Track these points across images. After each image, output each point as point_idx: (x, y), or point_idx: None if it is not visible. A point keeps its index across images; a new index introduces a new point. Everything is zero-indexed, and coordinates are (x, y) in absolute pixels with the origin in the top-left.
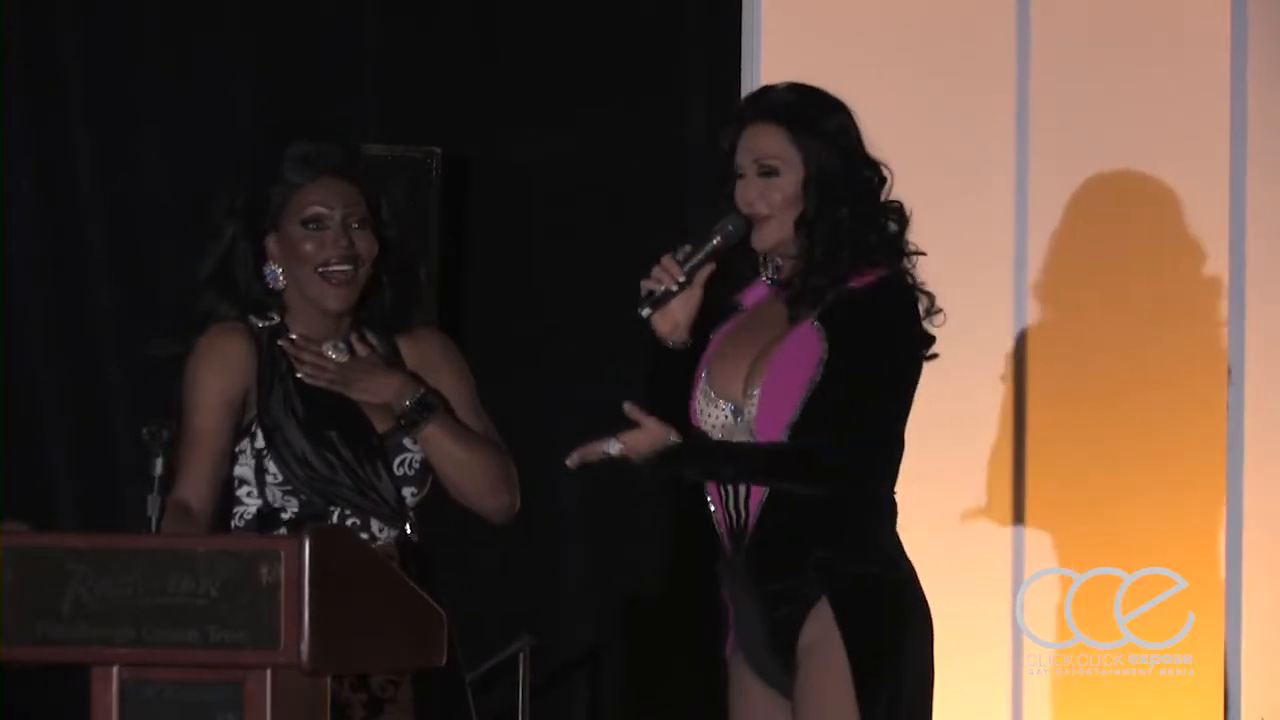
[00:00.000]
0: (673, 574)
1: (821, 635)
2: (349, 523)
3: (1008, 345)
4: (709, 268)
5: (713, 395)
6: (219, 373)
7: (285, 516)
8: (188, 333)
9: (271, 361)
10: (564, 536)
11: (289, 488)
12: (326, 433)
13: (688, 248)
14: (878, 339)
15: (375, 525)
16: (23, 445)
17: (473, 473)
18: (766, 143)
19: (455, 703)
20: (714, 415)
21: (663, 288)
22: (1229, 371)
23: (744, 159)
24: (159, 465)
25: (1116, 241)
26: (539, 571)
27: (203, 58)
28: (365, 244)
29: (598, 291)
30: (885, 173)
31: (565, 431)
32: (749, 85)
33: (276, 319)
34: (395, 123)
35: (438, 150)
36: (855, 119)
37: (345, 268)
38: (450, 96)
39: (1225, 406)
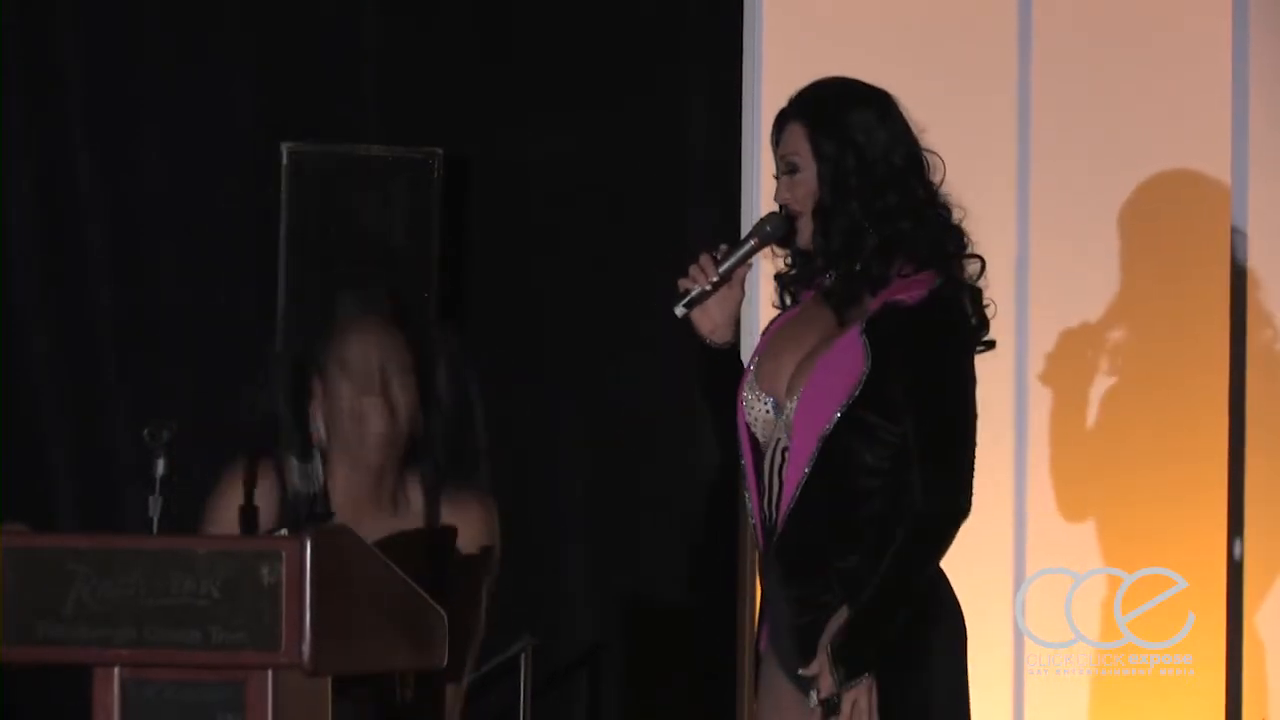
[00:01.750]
0: (673, 574)
1: None
2: None
3: (1009, 345)
4: (746, 268)
5: (758, 389)
6: (235, 511)
7: None
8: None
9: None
10: (564, 537)
11: None
12: None
13: (724, 247)
14: (933, 369)
15: None
16: (23, 446)
17: None
18: (789, 140)
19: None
20: (757, 409)
21: (697, 288)
22: (1232, 366)
23: (776, 157)
24: (160, 466)
25: (1118, 242)
26: (539, 572)
27: (203, 58)
28: (408, 395)
29: (598, 292)
30: (930, 162)
31: (565, 432)
32: (749, 85)
33: (305, 465)
34: (396, 123)
35: (439, 151)
36: (892, 108)
37: (385, 419)
38: (451, 97)
39: (1226, 406)
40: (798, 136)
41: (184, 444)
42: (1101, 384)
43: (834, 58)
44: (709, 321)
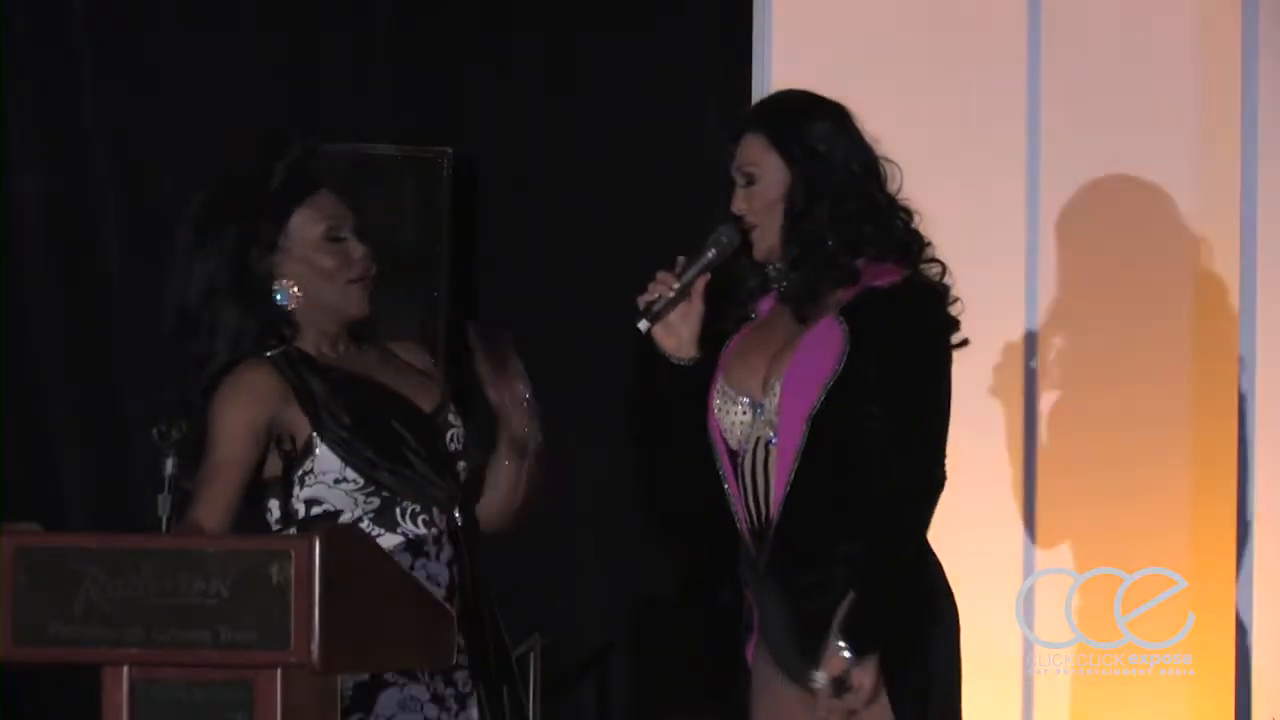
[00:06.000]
0: (683, 574)
1: None
2: (419, 520)
3: (1017, 343)
4: (704, 279)
5: (731, 393)
6: (245, 405)
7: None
8: (212, 366)
9: (301, 382)
10: (574, 536)
11: (370, 489)
12: (391, 425)
13: (682, 259)
14: (907, 346)
15: (435, 513)
16: (34, 446)
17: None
18: (748, 151)
19: (512, 685)
20: (732, 412)
21: (657, 297)
22: (1239, 366)
23: (733, 169)
24: (170, 464)
25: (1127, 239)
26: (549, 571)
27: (215, 57)
28: (366, 250)
29: (607, 292)
30: (886, 169)
31: (574, 431)
32: (760, 85)
33: (278, 345)
34: (406, 123)
35: (448, 150)
36: (849, 119)
37: (369, 274)
38: (461, 97)
39: (1234, 405)
40: (756, 148)
41: (193, 443)
42: (1106, 383)
43: (844, 57)
44: (673, 338)
